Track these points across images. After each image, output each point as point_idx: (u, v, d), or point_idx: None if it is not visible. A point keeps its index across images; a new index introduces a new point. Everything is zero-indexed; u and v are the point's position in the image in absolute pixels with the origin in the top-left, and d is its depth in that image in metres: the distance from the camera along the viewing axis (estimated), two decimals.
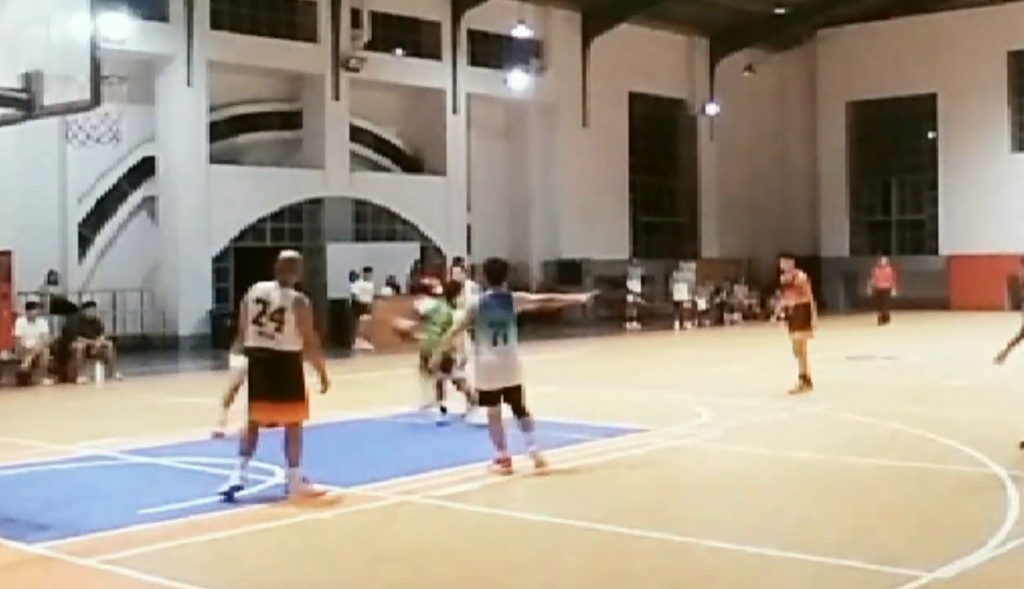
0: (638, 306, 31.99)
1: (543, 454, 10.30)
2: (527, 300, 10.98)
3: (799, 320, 15.83)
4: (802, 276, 16.06)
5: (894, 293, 31.52)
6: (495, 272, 10.57)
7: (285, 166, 28.71)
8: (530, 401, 10.54)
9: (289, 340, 9.14)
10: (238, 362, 11.40)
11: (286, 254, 9.50)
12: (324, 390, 9.40)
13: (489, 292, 10.49)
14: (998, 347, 10.92)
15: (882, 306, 31.16)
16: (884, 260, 32.72)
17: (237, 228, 27.00)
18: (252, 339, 9.24)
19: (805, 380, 15.63)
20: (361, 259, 27.15)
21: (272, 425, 9.35)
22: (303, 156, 29.04)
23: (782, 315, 17.12)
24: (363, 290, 26.24)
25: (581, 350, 24.91)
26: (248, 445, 9.24)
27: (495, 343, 10.18)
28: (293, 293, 9.24)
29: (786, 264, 16.25)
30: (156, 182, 26.37)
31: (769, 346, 25.71)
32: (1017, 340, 10.75)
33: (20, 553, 7.73)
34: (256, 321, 9.18)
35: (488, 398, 10.38)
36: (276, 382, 9.17)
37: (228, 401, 11.99)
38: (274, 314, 9.12)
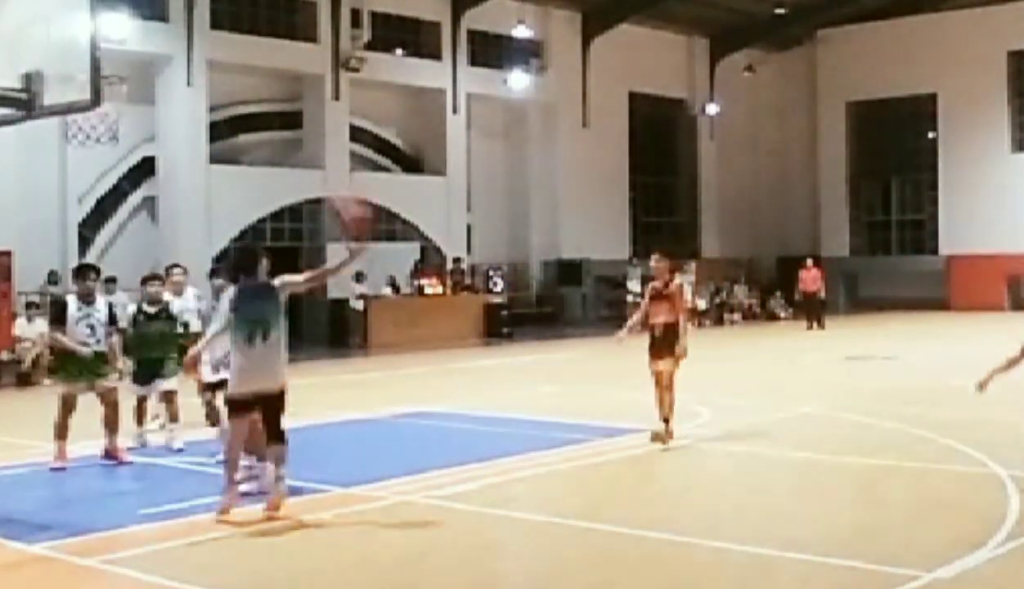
0: (638, 306, 31.95)
1: (282, 495, 8.63)
2: (295, 283, 9.27)
3: (667, 344, 11.74)
4: (677, 283, 12.10)
5: (823, 295, 30.19)
6: (245, 264, 9.19)
7: (285, 166, 28.68)
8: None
9: None
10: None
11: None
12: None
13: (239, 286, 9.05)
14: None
15: (810, 310, 29.73)
16: (810, 261, 31.29)
17: (237, 228, 26.96)
18: None
19: (667, 423, 11.69)
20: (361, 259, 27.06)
21: None
22: (303, 156, 29.02)
23: (653, 333, 11.97)
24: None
25: (581, 350, 24.90)
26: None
27: (251, 342, 8.67)
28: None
29: (659, 264, 12.01)
30: (156, 182, 26.35)
31: (769, 346, 25.76)
32: (1002, 369, 9.03)
33: (20, 553, 7.74)
34: None
35: (237, 405, 8.76)
36: None
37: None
38: None
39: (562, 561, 7.50)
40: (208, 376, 10.74)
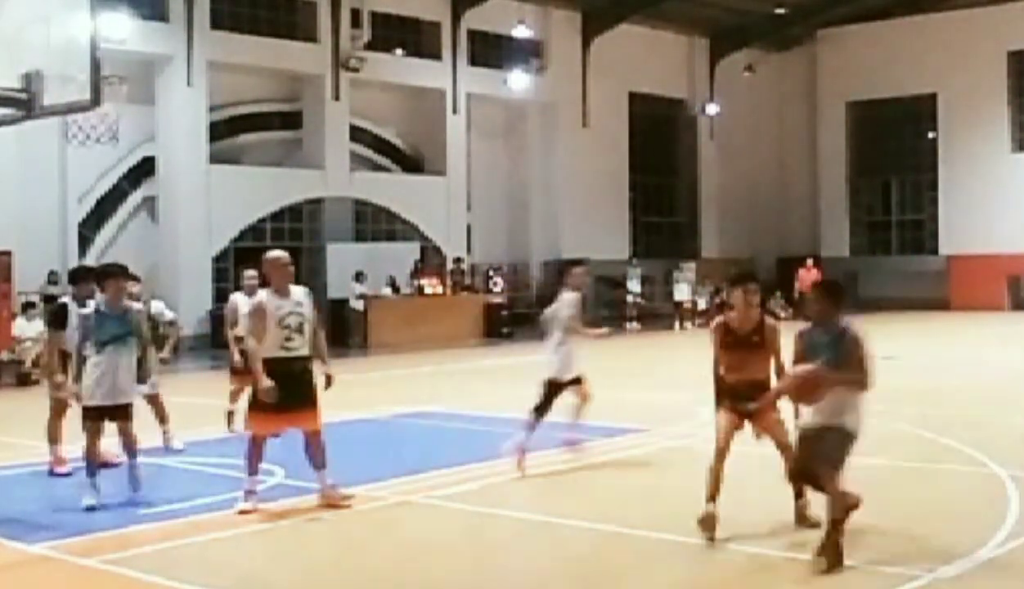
0: (638, 306, 32.00)
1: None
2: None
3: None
4: (771, 323, 8.24)
5: None
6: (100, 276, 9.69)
7: (285, 166, 28.70)
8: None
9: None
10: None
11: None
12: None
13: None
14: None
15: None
16: (810, 262, 31.56)
17: (237, 228, 26.99)
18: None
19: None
20: (361, 259, 27.15)
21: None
22: (303, 156, 29.03)
23: (733, 391, 8.14)
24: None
25: (581, 350, 24.84)
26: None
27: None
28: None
29: (751, 297, 8.09)
30: (156, 182, 26.37)
31: None
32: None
33: (20, 553, 7.74)
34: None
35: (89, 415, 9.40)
36: None
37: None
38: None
39: (562, 561, 7.50)
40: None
